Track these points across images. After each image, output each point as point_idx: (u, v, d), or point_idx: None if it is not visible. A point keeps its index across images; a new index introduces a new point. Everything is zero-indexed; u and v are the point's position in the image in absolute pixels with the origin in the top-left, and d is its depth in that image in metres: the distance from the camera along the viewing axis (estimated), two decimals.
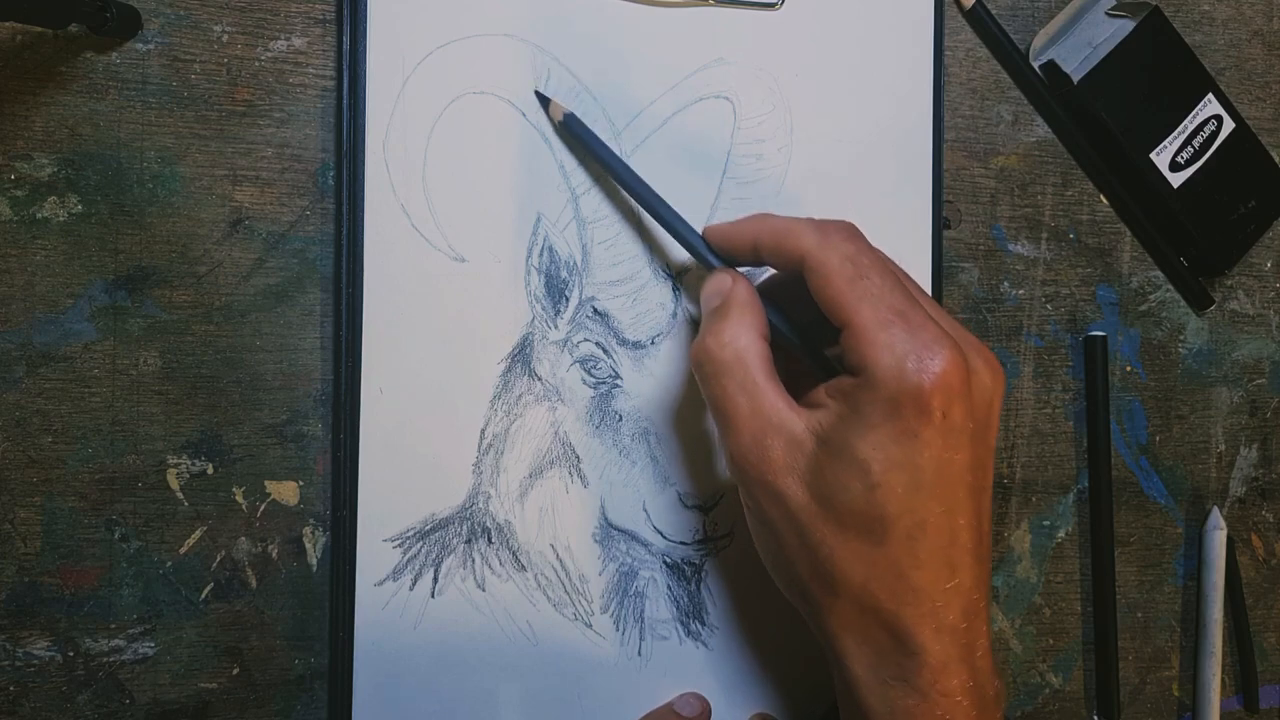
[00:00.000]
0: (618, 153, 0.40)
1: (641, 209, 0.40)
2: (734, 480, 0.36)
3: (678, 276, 0.42)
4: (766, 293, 0.37)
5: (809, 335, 0.37)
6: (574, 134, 0.40)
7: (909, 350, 0.31)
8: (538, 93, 0.40)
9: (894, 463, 0.31)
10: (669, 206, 0.38)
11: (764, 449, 0.33)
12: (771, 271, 0.40)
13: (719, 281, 0.37)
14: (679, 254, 0.42)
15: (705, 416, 0.42)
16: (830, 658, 0.35)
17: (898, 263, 0.37)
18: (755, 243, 0.36)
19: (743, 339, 0.35)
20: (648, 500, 0.41)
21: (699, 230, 0.38)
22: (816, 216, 0.36)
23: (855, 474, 0.32)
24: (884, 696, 0.33)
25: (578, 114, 0.40)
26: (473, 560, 0.40)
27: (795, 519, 0.33)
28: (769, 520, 0.34)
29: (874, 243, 0.36)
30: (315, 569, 0.40)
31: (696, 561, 0.42)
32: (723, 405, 0.35)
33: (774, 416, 0.33)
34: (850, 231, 0.35)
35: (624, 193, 0.40)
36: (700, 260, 0.38)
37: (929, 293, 0.44)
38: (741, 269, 0.38)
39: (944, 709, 0.32)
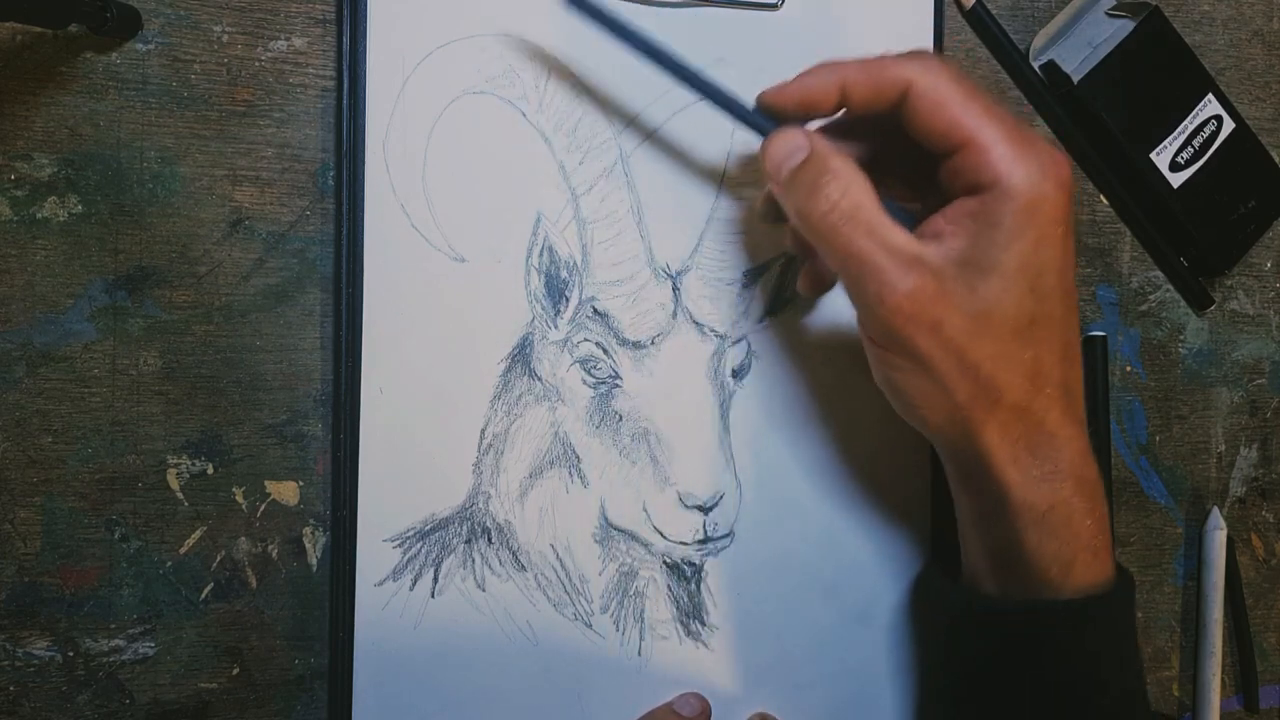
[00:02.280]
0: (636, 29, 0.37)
1: (683, 84, 0.37)
2: (872, 332, 0.35)
3: (678, 276, 0.42)
4: None
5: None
6: (586, 8, 0.36)
7: (1039, 160, 0.33)
8: None
9: (1038, 267, 0.33)
10: (702, 76, 0.36)
11: (911, 285, 0.33)
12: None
13: (790, 137, 0.35)
14: (679, 253, 0.42)
15: (705, 416, 0.42)
16: (973, 480, 0.36)
17: None
18: (842, 85, 0.35)
19: (856, 184, 0.34)
20: (648, 500, 0.41)
21: (745, 103, 0.36)
22: None
23: (1008, 284, 0.33)
24: (1040, 494, 0.35)
25: (577, 114, 0.40)
26: (473, 560, 0.40)
27: (954, 344, 0.34)
28: (922, 355, 0.34)
29: None
30: (315, 569, 0.40)
31: (696, 561, 0.42)
32: (860, 253, 0.34)
33: (910, 251, 0.34)
34: (942, 58, 0.36)
35: (663, 73, 0.37)
36: (755, 129, 0.36)
37: None
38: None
39: (1087, 498, 0.35)
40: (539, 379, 0.40)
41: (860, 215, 0.34)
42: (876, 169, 0.35)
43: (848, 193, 0.34)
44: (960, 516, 0.38)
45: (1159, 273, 0.49)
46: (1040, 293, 0.33)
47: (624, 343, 0.41)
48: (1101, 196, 0.48)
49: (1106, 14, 0.47)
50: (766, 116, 0.36)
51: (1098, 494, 0.35)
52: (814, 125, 0.37)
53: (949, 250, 0.34)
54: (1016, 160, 0.33)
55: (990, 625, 0.37)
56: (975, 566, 0.38)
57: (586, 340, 0.41)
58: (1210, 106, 0.48)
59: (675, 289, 0.42)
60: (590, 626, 0.41)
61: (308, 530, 0.40)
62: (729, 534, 0.42)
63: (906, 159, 0.36)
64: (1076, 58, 0.47)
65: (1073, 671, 0.36)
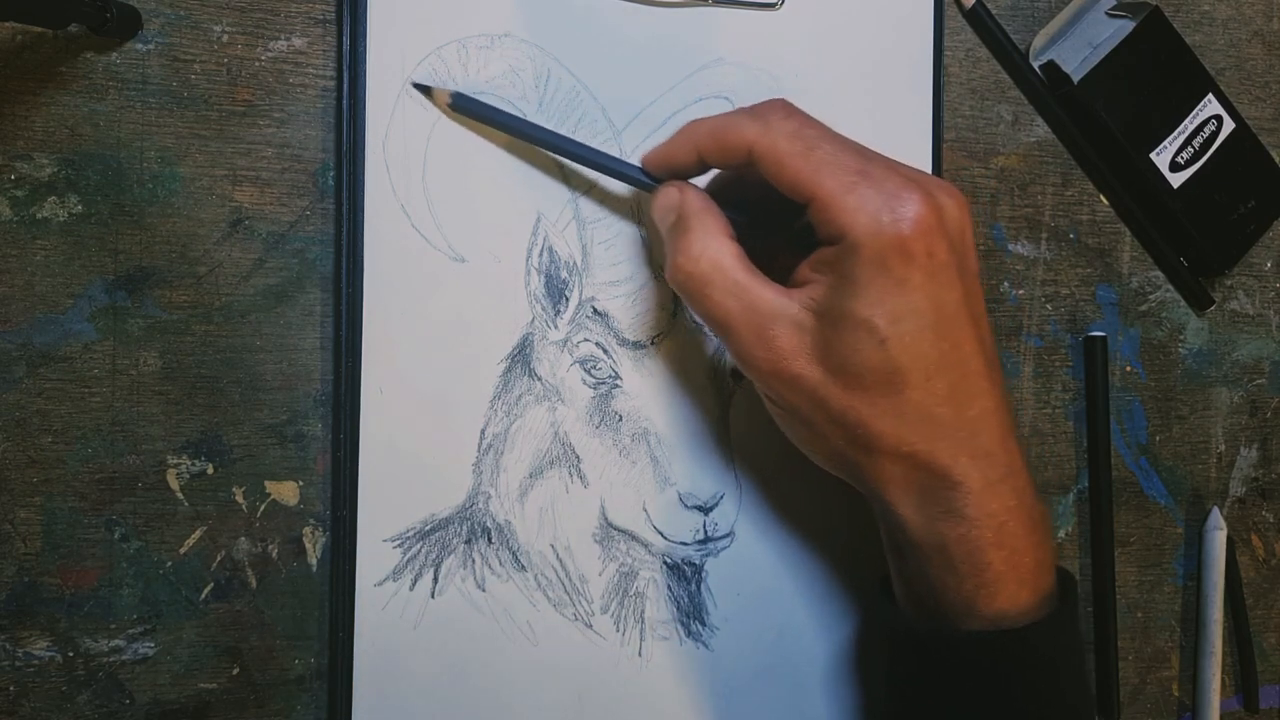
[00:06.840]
0: (520, 114, 0.39)
1: (566, 160, 0.40)
2: (752, 382, 0.36)
3: None
4: (716, 192, 0.37)
5: (771, 218, 0.37)
6: (468, 112, 0.39)
7: (880, 205, 0.32)
8: (415, 84, 0.39)
9: (895, 314, 0.32)
10: (593, 149, 0.39)
11: (768, 341, 0.34)
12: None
13: (667, 196, 0.37)
14: None
15: (705, 416, 0.42)
16: (879, 513, 0.37)
17: None
18: (697, 149, 0.36)
19: (712, 246, 0.35)
20: (648, 500, 0.41)
21: (632, 162, 0.38)
22: None
23: (862, 335, 0.33)
24: (934, 532, 0.34)
25: (577, 114, 0.40)
26: (473, 560, 0.40)
27: (816, 396, 0.34)
28: (792, 406, 0.35)
29: None
30: (315, 569, 0.40)
31: (696, 562, 0.42)
32: (716, 315, 0.35)
33: (767, 308, 0.34)
34: (787, 109, 0.35)
35: (541, 150, 0.40)
36: (642, 187, 0.38)
37: None
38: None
39: (993, 530, 0.34)
40: (539, 379, 0.40)
41: (719, 276, 0.34)
42: (784, 211, 0.36)
43: (705, 253, 0.34)
44: (883, 541, 0.38)
45: (1159, 273, 0.49)
46: (902, 340, 0.32)
47: (624, 343, 0.41)
48: (1101, 196, 0.48)
49: (1106, 14, 0.47)
50: (653, 178, 0.38)
51: (1010, 525, 0.34)
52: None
53: (810, 299, 0.34)
54: (858, 211, 0.32)
55: (907, 647, 0.37)
56: (898, 590, 0.38)
57: (586, 340, 0.41)
58: (1210, 106, 0.48)
59: None
60: (590, 627, 0.41)
61: (308, 530, 0.40)
62: (729, 534, 0.42)
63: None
64: (1076, 58, 0.47)
65: (984, 700, 0.35)
